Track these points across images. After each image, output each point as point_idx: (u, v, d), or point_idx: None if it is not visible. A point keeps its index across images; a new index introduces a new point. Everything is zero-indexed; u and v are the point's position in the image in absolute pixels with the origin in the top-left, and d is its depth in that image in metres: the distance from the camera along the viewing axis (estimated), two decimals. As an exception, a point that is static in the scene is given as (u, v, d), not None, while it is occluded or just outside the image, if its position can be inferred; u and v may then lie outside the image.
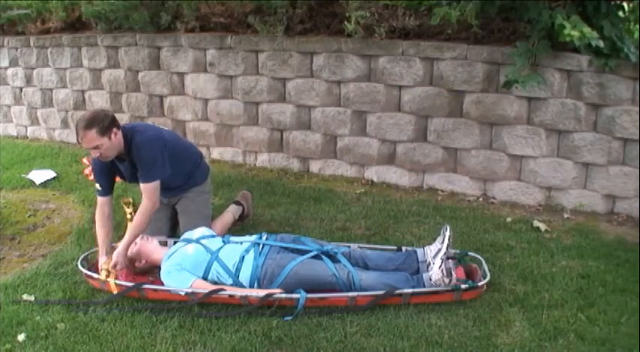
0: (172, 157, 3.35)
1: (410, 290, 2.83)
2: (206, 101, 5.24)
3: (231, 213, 3.76)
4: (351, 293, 2.84)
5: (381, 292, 2.82)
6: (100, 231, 3.27)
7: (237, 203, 3.84)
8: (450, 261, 2.94)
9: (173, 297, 2.95)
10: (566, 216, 4.03)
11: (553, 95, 4.00)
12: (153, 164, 3.22)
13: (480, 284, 2.89)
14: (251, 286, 2.93)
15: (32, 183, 4.85)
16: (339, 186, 4.64)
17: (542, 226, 3.81)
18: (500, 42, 4.18)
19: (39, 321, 2.78)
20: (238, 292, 2.87)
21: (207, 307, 2.87)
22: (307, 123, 4.87)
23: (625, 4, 3.99)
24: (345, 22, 4.37)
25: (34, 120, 6.40)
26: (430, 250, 3.01)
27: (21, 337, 2.65)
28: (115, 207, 3.42)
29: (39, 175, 4.93)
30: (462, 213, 4.06)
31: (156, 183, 3.22)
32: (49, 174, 4.98)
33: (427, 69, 4.34)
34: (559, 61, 3.92)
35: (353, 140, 4.72)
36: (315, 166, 4.96)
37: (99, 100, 5.78)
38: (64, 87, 6.01)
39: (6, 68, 6.37)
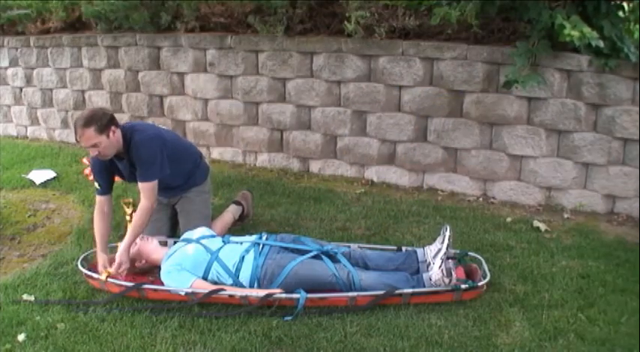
0: (172, 157, 3.34)
1: (410, 290, 2.83)
2: (206, 101, 5.24)
3: (231, 213, 3.76)
4: (351, 293, 2.84)
5: (381, 292, 2.82)
6: (98, 229, 3.25)
7: (237, 203, 3.84)
8: (450, 260, 2.94)
9: (173, 297, 2.95)
10: (566, 216, 4.03)
11: (553, 95, 4.00)
12: (151, 163, 3.22)
13: (480, 284, 2.89)
14: (251, 286, 2.93)
15: (32, 183, 4.85)
16: (339, 186, 4.64)
17: (542, 226, 3.81)
18: (500, 42, 4.18)
19: (39, 321, 2.78)
20: (238, 292, 2.87)
21: (207, 307, 2.87)
22: (307, 123, 4.87)
23: (625, 4, 3.98)
24: (345, 22, 4.37)
25: (34, 120, 6.40)
26: (430, 250, 3.01)
27: (21, 337, 2.65)
28: (115, 207, 3.41)
29: (39, 175, 4.93)
30: (462, 213, 4.06)
31: (154, 183, 3.21)
32: (49, 174, 4.99)
33: (427, 69, 4.34)
34: (559, 61, 3.92)
35: (353, 140, 4.72)
36: (315, 166, 4.96)
37: (99, 100, 5.78)
38: (64, 87, 6.01)
39: (6, 68, 6.37)
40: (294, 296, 2.81)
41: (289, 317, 2.75)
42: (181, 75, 5.29)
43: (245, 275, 2.95)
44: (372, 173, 4.74)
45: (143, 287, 2.99)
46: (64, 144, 6.09)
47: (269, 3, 4.65)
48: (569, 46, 3.77)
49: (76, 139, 3.13)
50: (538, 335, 2.64)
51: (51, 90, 6.12)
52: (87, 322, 2.77)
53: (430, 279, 2.87)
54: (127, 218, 3.44)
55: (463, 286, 2.86)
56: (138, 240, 3.19)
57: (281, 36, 4.69)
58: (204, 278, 2.98)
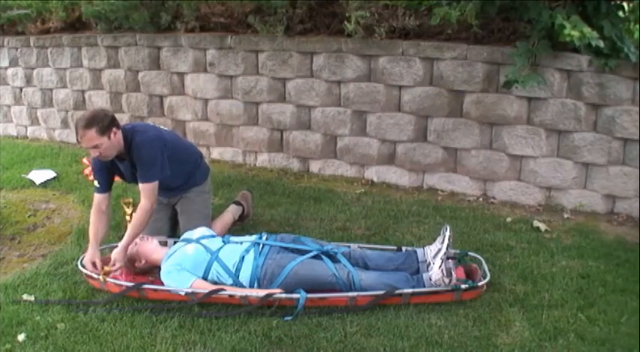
0: (172, 157, 3.35)
1: (410, 290, 2.83)
2: (206, 101, 5.24)
3: (231, 213, 3.76)
4: (351, 293, 2.84)
5: (381, 292, 2.82)
6: (94, 226, 3.22)
7: (237, 203, 3.84)
8: (450, 261, 2.94)
9: (173, 297, 2.95)
10: (566, 216, 4.03)
11: (553, 95, 4.00)
12: (152, 164, 3.22)
13: (480, 284, 2.89)
14: (251, 286, 2.93)
15: (32, 183, 4.85)
16: (339, 186, 4.64)
17: (542, 226, 3.81)
18: (500, 42, 4.18)
19: (39, 321, 2.78)
20: (238, 292, 2.87)
21: (207, 307, 2.87)
22: (307, 123, 4.87)
23: (625, 4, 3.98)
24: (345, 22, 4.37)
25: (34, 120, 6.40)
26: (430, 250, 3.01)
27: (21, 337, 2.65)
28: (115, 207, 3.41)
29: (39, 175, 4.93)
30: (462, 213, 4.06)
31: (154, 183, 3.22)
32: (49, 174, 4.98)
33: (427, 69, 4.34)
34: (559, 61, 3.92)
35: (353, 140, 4.72)
36: (315, 166, 4.96)
37: (99, 100, 5.78)
38: (64, 87, 6.01)
39: (6, 68, 6.37)
40: (294, 296, 2.81)
41: (289, 317, 2.75)
42: (181, 75, 5.29)
43: (245, 275, 2.95)
44: (372, 173, 4.74)
45: (143, 287, 2.99)
46: (64, 144, 6.09)
47: (269, 3, 4.65)
48: (569, 46, 3.77)
49: (77, 140, 3.14)
50: (538, 335, 2.64)
51: (51, 90, 6.13)
52: (87, 322, 2.77)
53: (430, 279, 2.87)
54: (127, 218, 3.44)
55: (463, 286, 2.86)
56: (138, 240, 3.19)
57: (281, 36, 4.69)
58: (204, 278, 2.98)
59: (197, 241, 3.13)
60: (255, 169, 5.12)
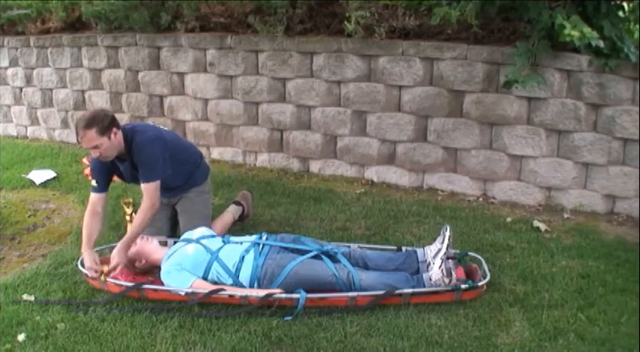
0: (172, 157, 3.35)
1: (410, 290, 2.83)
2: (206, 101, 5.24)
3: (231, 213, 3.76)
4: (351, 293, 2.84)
5: (381, 292, 2.82)
6: (88, 226, 3.19)
7: (237, 203, 3.84)
8: (450, 261, 2.94)
9: (173, 297, 2.95)
10: (566, 216, 4.03)
11: (553, 95, 4.00)
12: (153, 164, 3.22)
13: (480, 284, 2.89)
14: (251, 286, 2.93)
15: (32, 183, 4.85)
16: (339, 186, 4.64)
17: (542, 226, 3.81)
18: (500, 42, 4.18)
19: (39, 321, 2.78)
20: (238, 292, 2.87)
21: (207, 307, 2.87)
22: (307, 123, 4.87)
23: (625, 4, 3.98)
24: (345, 22, 4.37)
25: (34, 120, 6.40)
26: (430, 250, 3.01)
27: (21, 337, 2.65)
28: (115, 207, 3.41)
29: (39, 175, 4.93)
30: (462, 213, 4.06)
31: (156, 183, 3.22)
32: (49, 174, 4.98)
33: (427, 69, 4.34)
34: (559, 61, 3.92)
35: (353, 140, 4.72)
36: (315, 166, 4.96)
37: (99, 100, 5.78)
38: (64, 87, 6.01)
39: (6, 68, 6.37)
40: (294, 296, 2.81)
41: (289, 317, 2.75)
42: (181, 75, 5.29)
43: (245, 275, 2.95)
44: (372, 173, 4.74)
45: (143, 287, 2.99)
46: (64, 144, 6.09)
47: (269, 3, 4.65)
48: (569, 46, 3.77)
49: (78, 141, 3.14)
50: (538, 335, 2.64)
51: (51, 90, 6.12)
52: (87, 322, 2.77)
53: (430, 279, 2.87)
54: (127, 218, 3.44)
55: (463, 286, 2.86)
56: (138, 240, 3.19)
57: (281, 36, 4.69)
58: (204, 278, 2.98)
59: (197, 241, 3.13)
60: (255, 169, 5.12)
